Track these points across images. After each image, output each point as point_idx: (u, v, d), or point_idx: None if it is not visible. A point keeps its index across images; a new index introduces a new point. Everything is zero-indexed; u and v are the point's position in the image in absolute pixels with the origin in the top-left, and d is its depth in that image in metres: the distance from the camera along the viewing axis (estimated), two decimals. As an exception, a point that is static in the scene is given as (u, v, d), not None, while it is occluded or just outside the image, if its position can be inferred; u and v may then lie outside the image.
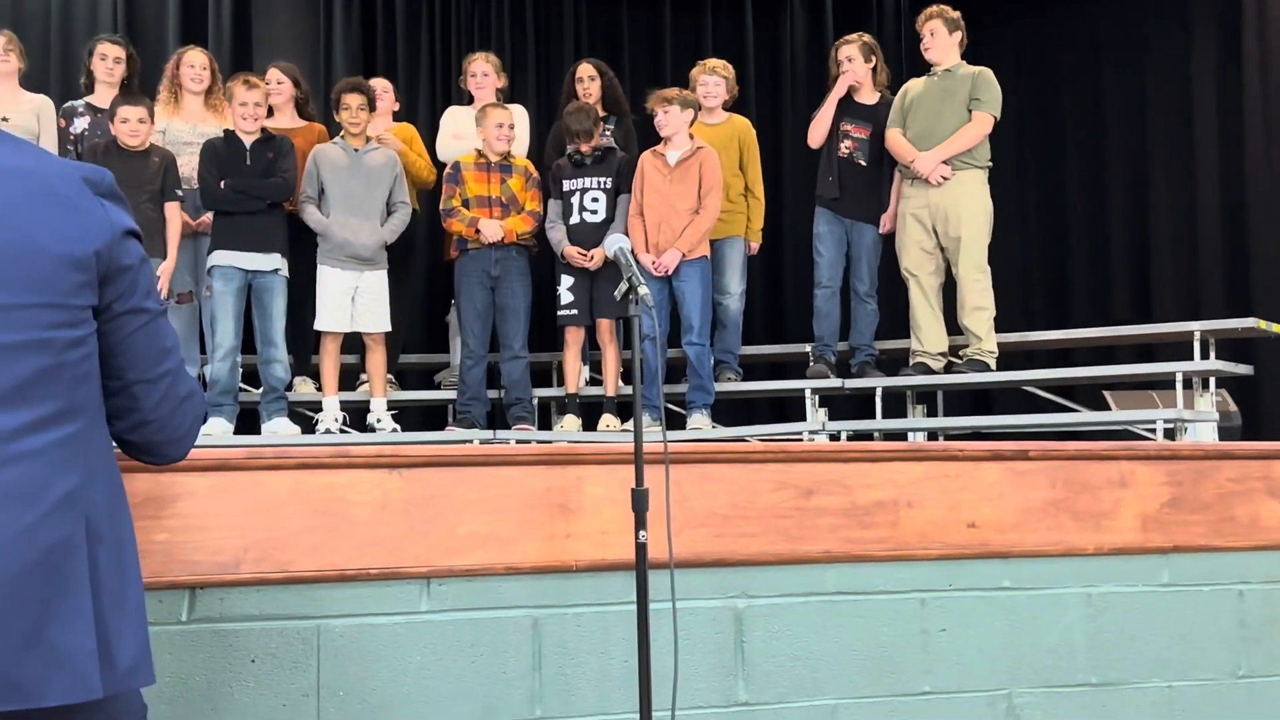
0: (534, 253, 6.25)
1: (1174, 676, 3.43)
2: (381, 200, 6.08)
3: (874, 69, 6.34)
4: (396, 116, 6.82)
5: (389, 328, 6.13)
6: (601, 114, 6.49)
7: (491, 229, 5.98)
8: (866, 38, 6.41)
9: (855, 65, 6.27)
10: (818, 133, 6.30)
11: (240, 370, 6.00)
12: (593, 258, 5.96)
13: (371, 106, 6.12)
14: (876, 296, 6.28)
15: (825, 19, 8.52)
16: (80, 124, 6.08)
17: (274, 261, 5.82)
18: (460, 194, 6.07)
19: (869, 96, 6.32)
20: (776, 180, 7.70)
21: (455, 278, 6.23)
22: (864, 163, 6.25)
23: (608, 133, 6.48)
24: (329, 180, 6.01)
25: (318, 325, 6.05)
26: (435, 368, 7.10)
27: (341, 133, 6.09)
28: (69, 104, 6.15)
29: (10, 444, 1.73)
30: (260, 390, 5.98)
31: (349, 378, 6.39)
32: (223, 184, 5.80)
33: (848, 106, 6.30)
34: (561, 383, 6.51)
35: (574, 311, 6.17)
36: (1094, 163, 7.81)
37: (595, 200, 6.17)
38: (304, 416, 6.27)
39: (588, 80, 6.66)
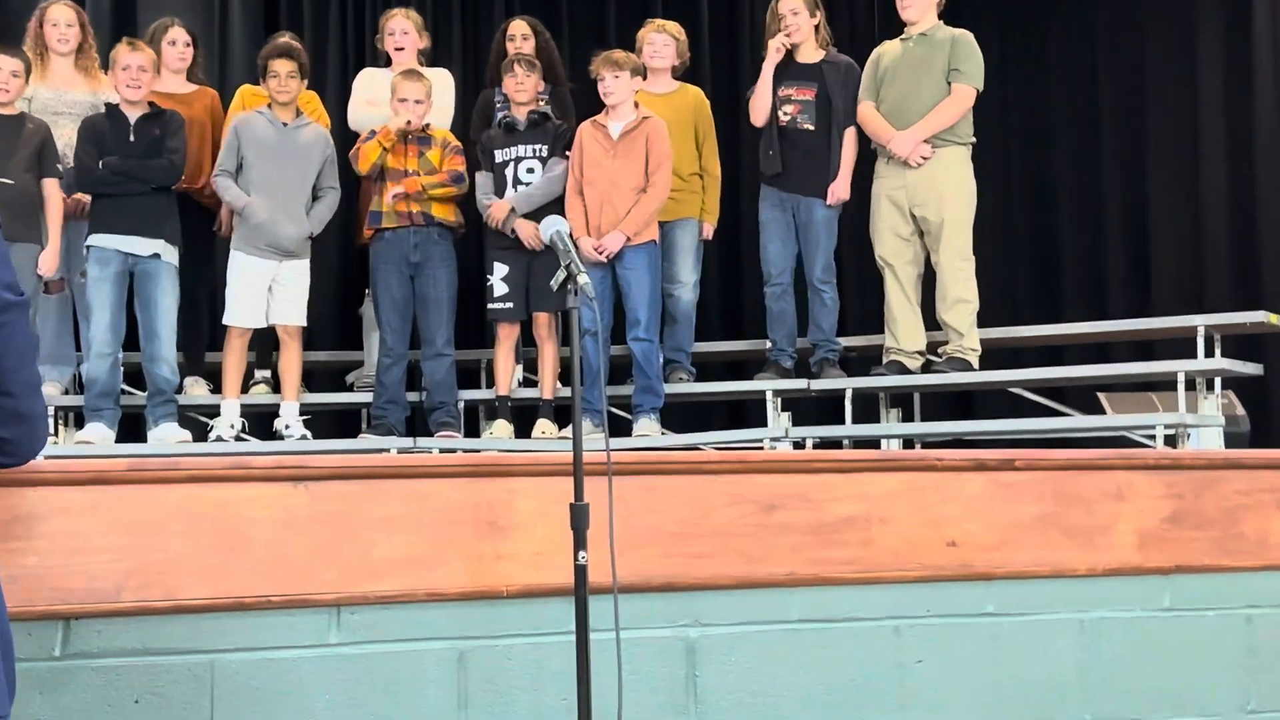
0: (460, 234, 6.23)
1: (1176, 711, 3.47)
2: (309, 184, 6.03)
3: (816, 26, 6.35)
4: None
5: (306, 322, 6.10)
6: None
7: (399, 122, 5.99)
8: None
9: (800, 20, 6.27)
10: (759, 107, 6.26)
11: (122, 370, 5.93)
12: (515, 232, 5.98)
13: (303, 74, 6.07)
14: (835, 283, 6.30)
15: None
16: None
17: (157, 246, 5.75)
18: (380, 157, 6.05)
19: (811, 55, 6.30)
20: (734, 157, 7.69)
21: (370, 264, 6.20)
22: (810, 127, 6.25)
23: (542, 101, 6.45)
24: (252, 157, 5.94)
25: (228, 319, 6.00)
26: (347, 367, 7.05)
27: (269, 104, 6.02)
28: None
29: None
30: (145, 392, 5.91)
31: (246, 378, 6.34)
32: (101, 164, 5.71)
33: (787, 67, 6.28)
34: (491, 384, 6.48)
35: (507, 304, 6.16)
36: (1088, 139, 7.86)
37: (531, 171, 6.14)
38: (196, 422, 6.21)
39: (520, 39, 6.64)
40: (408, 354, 6.19)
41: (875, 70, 6.20)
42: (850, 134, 6.23)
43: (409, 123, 6.03)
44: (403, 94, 6.06)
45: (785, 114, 6.25)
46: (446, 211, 6.14)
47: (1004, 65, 7.60)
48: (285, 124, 6.00)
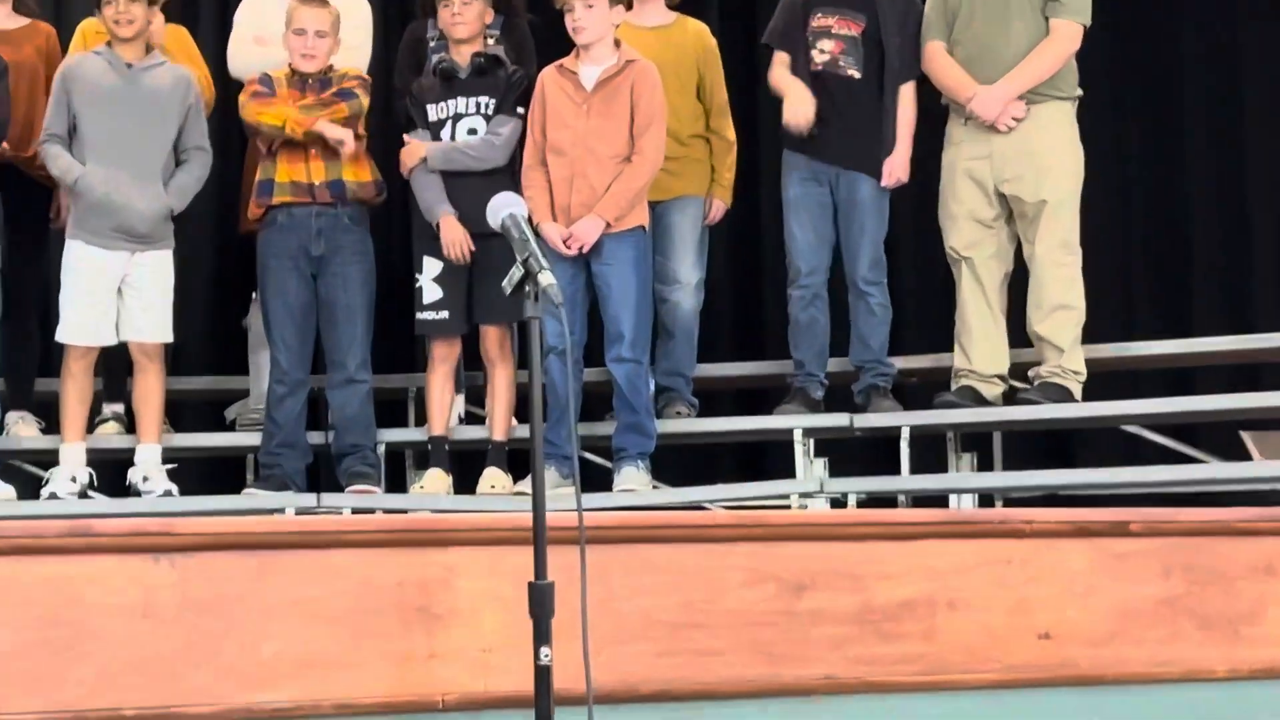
0: (377, 203, 6.20)
1: None
2: (167, 143, 6.00)
3: None
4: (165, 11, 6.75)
5: (171, 337, 6.08)
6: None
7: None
8: None
9: None
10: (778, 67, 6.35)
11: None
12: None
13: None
14: (885, 284, 6.29)
15: None
16: None
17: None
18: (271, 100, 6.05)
19: None
20: (751, 114, 7.70)
21: (258, 259, 6.19)
22: (855, 73, 6.24)
23: (490, 39, 6.46)
24: (86, 112, 5.89)
25: (62, 336, 5.97)
26: (226, 398, 7.03)
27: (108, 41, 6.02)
28: None
29: None
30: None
31: (91, 414, 6.32)
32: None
33: None
34: (422, 421, 6.45)
35: (441, 314, 6.13)
36: (1227, 100, 7.88)
37: (475, 133, 6.15)
38: (23, 474, 6.17)
39: (462, -43, 6.65)
40: (309, 381, 6.17)
41: (945, 1, 6.21)
42: (909, 90, 6.21)
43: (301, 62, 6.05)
44: (300, 24, 6.06)
45: (822, 53, 6.22)
46: (358, 172, 6.12)
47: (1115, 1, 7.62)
48: (130, 65, 5.99)
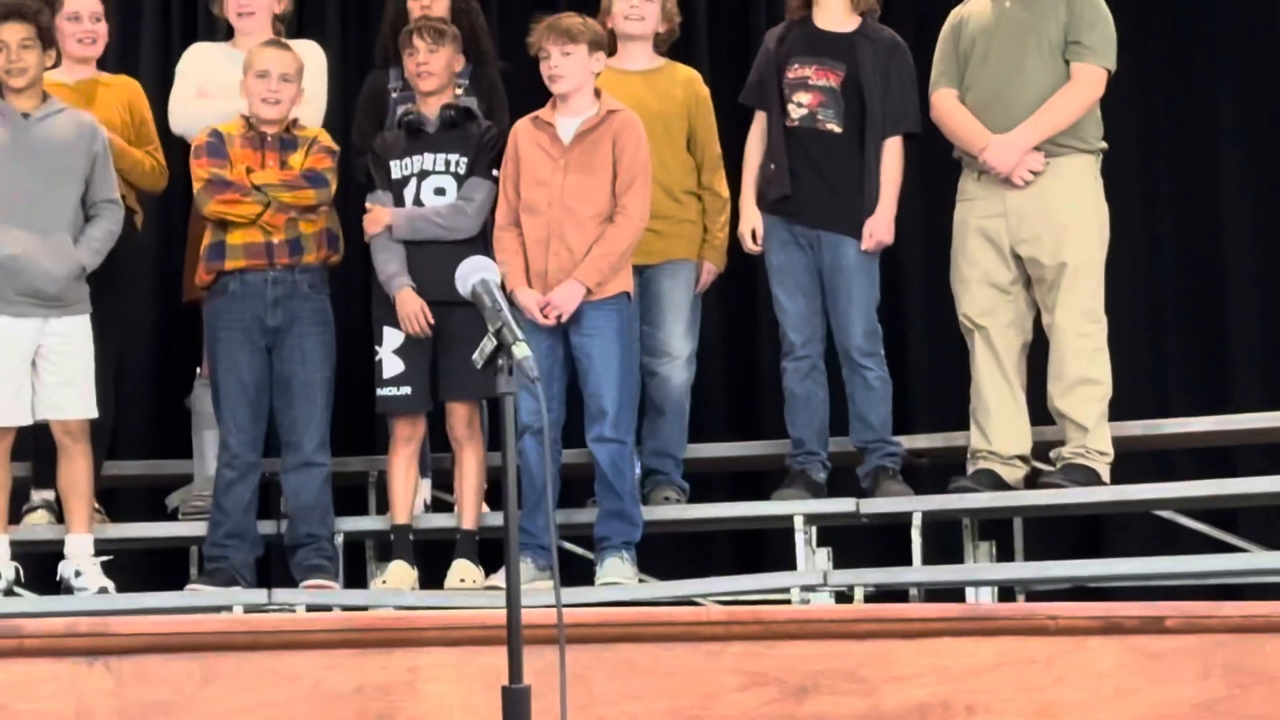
0: (335, 262, 6.20)
1: None
2: (73, 197, 6.01)
3: None
4: (105, 63, 6.78)
5: (96, 412, 6.08)
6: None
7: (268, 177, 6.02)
8: None
9: None
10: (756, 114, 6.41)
11: None
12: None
13: (46, 41, 6.09)
14: (883, 355, 6.29)
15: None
16: None
17: None
18: (228, 169, 6.05)
19: (838, 18, 6.31)
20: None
21: (207, 329, 6.19)
22: (835, 127, 6.27)
23: (459, 89, 6.49)
24: None
25: (-31, 415, 5.97)
26: (167, 484, 7.02)
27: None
28: None
29: None
30: None
31: (16, 500, 6.31)
32: None
33: (804, 36, 6.32)
34: (384, 508, 6.42)
35: (403, 389, 6.13)
36: (1268, 155, 7.92)
37: (442, 193, 6.16)
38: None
39: (429, -2, 6.69)
40: (261, 464, 6.18)
41: (956, 41, 6.20)
42: (894, 145, 6.23)
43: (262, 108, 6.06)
44: (262, 66, 6.07)
45: (799, 106, 6.25)
46: (316, 223, 6.13)
47: (1144, 36, 7.67)
48: (26, 115, 6.02)
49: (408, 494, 6.21)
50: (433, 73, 6.17)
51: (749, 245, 6.35)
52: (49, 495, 6.39)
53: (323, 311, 6.16)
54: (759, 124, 6.40)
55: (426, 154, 6.16)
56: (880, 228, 6.18)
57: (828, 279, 6.22)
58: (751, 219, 6.34)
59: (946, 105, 6.16)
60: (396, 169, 6.18)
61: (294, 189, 6.06)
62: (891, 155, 6.23)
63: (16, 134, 5.97)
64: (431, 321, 5.98)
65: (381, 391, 6.16)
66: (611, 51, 6.24)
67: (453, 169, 6.15)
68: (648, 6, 6.37)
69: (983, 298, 6.08)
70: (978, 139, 6.02)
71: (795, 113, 6.23)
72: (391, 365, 6.13)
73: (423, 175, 6.16)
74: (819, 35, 6.27)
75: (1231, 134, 7.92)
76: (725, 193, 6.48)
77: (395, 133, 6.25)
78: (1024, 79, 6.02)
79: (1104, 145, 6.11)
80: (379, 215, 6.11)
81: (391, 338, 6.13)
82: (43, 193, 5.96)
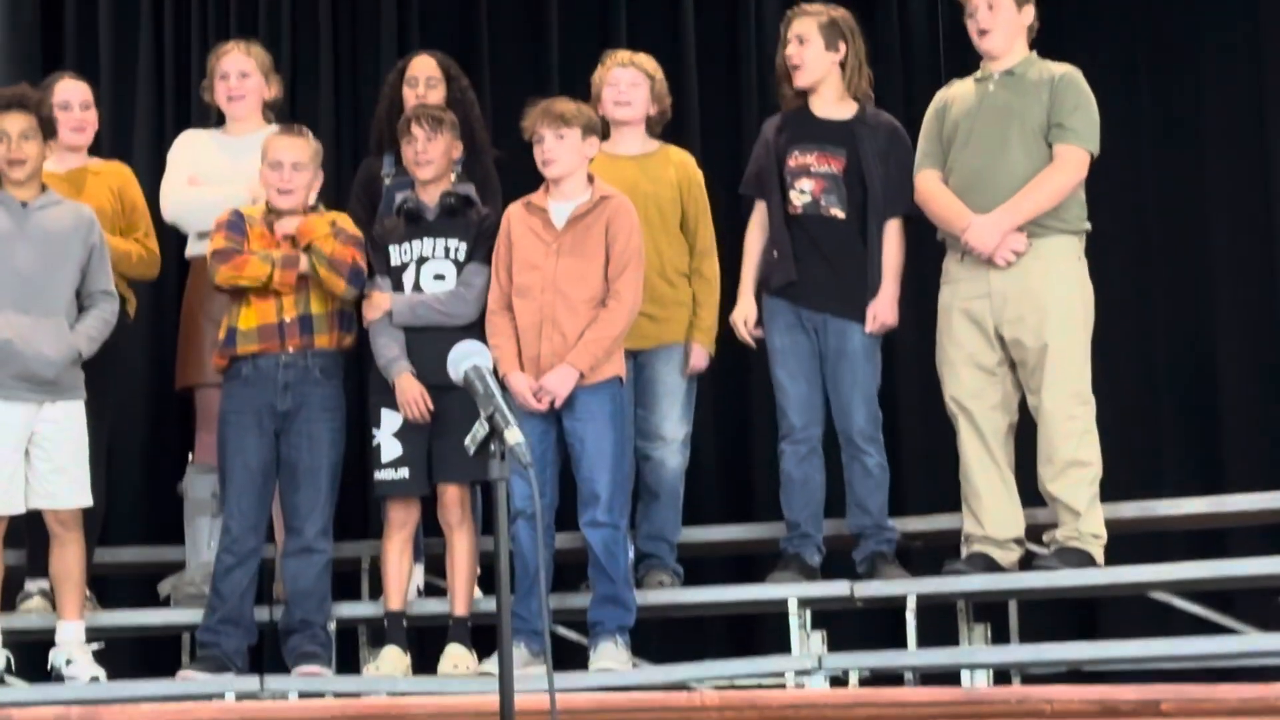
0: (348, 345, 6.18)
1: None
2: (69, 284, 6.02)
3: (843, 62, 6.40)
4: (97, 149, 6.80)
5: (90, 501, 6.07)
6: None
7: (290, 224, 6.04)
8: (841, 11, 6.38)
9: (810, 53, 6.32)
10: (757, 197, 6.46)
11: None
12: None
13: (47, 132, 6.11)
14: (882, 441, 6.31)
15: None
16: None
17: None
18: (244, 245, 6.06)
19: (837, 106, 6.38)
20: (739, 251, 7.78)
21: (220, 413, 6.16)
22: (838, 213, 6.31)
23: (454, 176, 6.49)
24: None
25: (-34, 502, 5.96)
26: (159, 570, 6.99)
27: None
28: None
29: None
30: None
31: (10, 588, 6.25)
32: None
33: (803, 124, 6.39)
34: (377, 593, 6.43)
35: (401, 473, 6.13)
36: (1258, 234, 7.91)
37: (440, 278, 6.18)
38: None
39: (424, 85, 6.69)
40: (261, 550, 6.17)
41: (940, 124, 6.25)
42: (895, 227, 6.28)
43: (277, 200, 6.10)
44: (275, 155, 6.08)
45: (801, 193, 6.28)
46: (324, 321, 6.13)
47: (1131, 116, 7.69)
48: (25, 204, 6.04)
49: (402, 580, 6.20)
50: (431, 160, 6.20)
51: (741, 332, 6.39)
52: (44, 584, 6.37)
53: (334, 398, 6.17)
54: (759, 213, 6.47)
55: (426, 240, 6.19)
56: (884, 310, 6.23)
57: (831, 363, 6.25)
58: (746, 308, 6.39)
59: (930, 187, 6.20)
60: (396, 255, 6.20)
61: (332, 271, 6.03)
62: (893, 237, 6.29)
63: (16, 221, 5.99)
64: (431, 407, 5.99)
65: (379, 474, 6.17)
66: (605, 136, 6.27)
67: (452, 255, 6.17)
68: (635, 92, 6.41)
69: (969, 380, 6.09)
70: (960, 220, 6.05)
71: (798, 200, 6.29)
72: (390, 448, 6.14)
73: (422, 261, 6.18)
74: (818, 123, 6.35)
75: (1222, 214, 7.93)
76: (715, 275, 6.50)
77: (394, 219, 6.26)
78: (1007, 161, 6.06)
79: (1087, 226, 6.14)
80: (378, 301, 6.13)
81: (389, 421, 6.14)
82: (40, 278, 5.98)
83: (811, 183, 6.27)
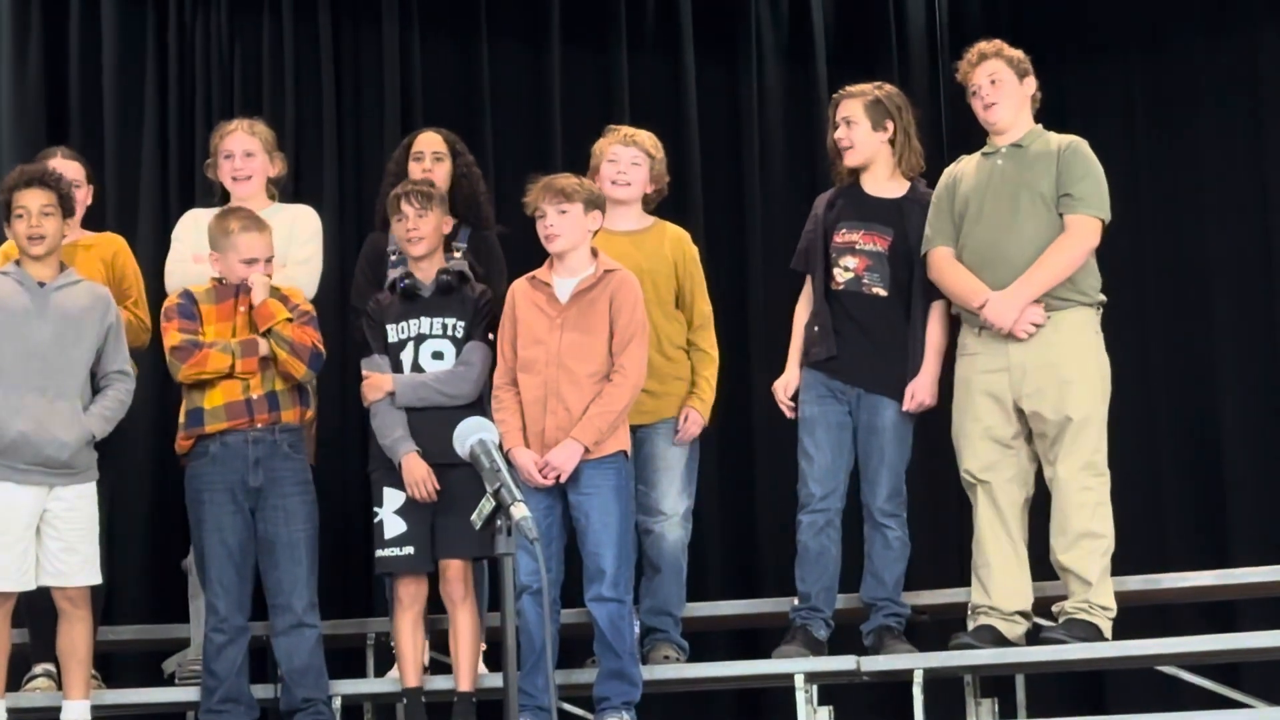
0: (308, 423, 6.17)
1: None
2: (84, 364, 6.02)
3: (893, 139, 6.42)
4: (92, 220, 6.79)
5: (99, 580, 6.05)
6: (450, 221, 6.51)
7: (260, 285, 6.03)
8: (886, 88, 6.47)
9: (858, 134, 6.36)
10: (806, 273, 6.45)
11: None
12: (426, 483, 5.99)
13: (66, 209, 6.11)
14: (905, 517, 6.29)
15: (814, 63, 8.59)
16: None
17: None
18: (199, 333, 6.05)
19: (886, 184, 6.41)
20: (740, 325, 7.76)
21: (189, 493, 6.15)
22: (880, 291, 6.32)
23: (457, 252, 6.50)
24: None
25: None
26: (164, 649, 6.97)
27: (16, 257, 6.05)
28: None
29: None
30: None
31: (17, 668, 6.25)
32: None
33: (853, 201, 6.40)
34: (382, 670, 6.41)
35: (405, 550, 6.10)
36: (1261, 305, 7.91)
37: (439, 357, 6.17)
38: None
39: (430, 159, 6.70)
40: (250, 627, 6.14)
41: (950, 200, 6.23)
42: (940, 309, 6.27)
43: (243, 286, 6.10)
44: (248, 252, 6.07)
45: (845, 270, 6.29)
46: (287, 397, 6.12)
47: (1135, 185, 7.71)
48: (42, 284, 6.04)
49: (417, 656, 6.19)
50: (423, 236, 6.19)
51: (779, 399, 6.43)
52: (50, 667, 6.34)
53: (303, 471, 6.17)
54: (807, 288, 6.49)
55: (423, 318, 6.18)
56: (923, 389, 6.23)
57: (863, 438, 6.26)
58: (789, 378, 6.45)
59: (943, 263, 6.18)
60: (393, 333, 6.20)
61: (288, 351, 6.04)
62: (936, 318, 6.29)
63: (35, 300, 5.99)
64: (437, 486, 5.99)
65: (382, 553, 6.14)
66: (604, 210, 6.27)
67: (450, 333, 6.16)
68: (635, 172, 6.43)
69: (985, 453, 6.07)
70: (976, 296, 6.04)
71: (841, 276, 6.31)
72: (393, 526, 6.12)
73: (420, 339, 6.17)
74: (868, 201, 6.37)
75: (1224, 285, 7.95)
76: (714, 350, 6.50)
77: (390, 296, 6.26)
78: (1018, 234, 6.05)
79: (1103, 298, 6.11)
80: (379, 382, 6.12)
81: (392, 498, 6.12)
82: (57, 357, 5.99)
83: (855, 260, 6.29)
